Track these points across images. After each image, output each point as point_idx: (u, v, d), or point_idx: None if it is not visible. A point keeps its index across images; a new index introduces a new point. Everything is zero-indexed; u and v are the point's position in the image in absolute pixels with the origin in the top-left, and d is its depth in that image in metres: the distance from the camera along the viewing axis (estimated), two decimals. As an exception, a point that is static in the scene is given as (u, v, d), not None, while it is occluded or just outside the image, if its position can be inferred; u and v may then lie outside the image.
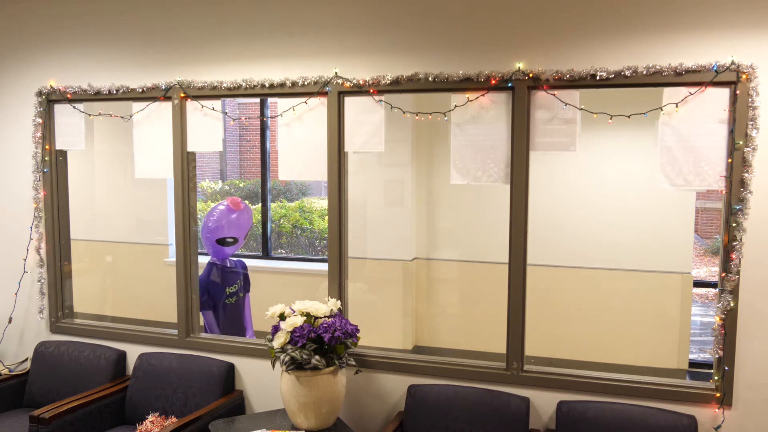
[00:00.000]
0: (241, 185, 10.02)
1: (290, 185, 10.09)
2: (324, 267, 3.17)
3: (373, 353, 3.03)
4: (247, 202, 4.33)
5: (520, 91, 2.68)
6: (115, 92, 3.33)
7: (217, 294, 3.86)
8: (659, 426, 2.53)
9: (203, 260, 3.70)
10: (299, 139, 3.07)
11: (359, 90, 2.91)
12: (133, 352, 3.42)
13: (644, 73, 2.50)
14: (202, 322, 3.44)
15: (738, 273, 2.48)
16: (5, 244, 3.70)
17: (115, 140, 4.80)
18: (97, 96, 3.39)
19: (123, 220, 5.21)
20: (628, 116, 2.63)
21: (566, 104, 2.65)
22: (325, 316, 2.75)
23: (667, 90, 2.53)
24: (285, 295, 3.10)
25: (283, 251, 7.32)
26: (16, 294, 3.68)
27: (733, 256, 2.47)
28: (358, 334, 2.77)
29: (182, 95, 3.21)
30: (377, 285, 4.73)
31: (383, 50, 2.89)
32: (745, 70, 2.40)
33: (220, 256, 3.94)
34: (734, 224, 2.46)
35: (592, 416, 2.61)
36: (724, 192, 2.50)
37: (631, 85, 2.54)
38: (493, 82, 2.70)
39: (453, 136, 2.84)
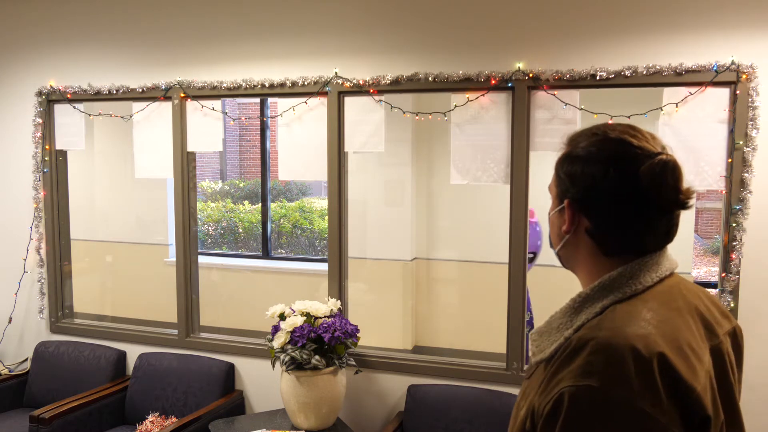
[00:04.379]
0: (241, 185, 10.02)
1: (290, 185, 10.09)
2: (324, 267, 3.17)
3: (373, 353, 3.03)
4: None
5: (520, 91, 2.68)
6: (115, 92, 3.33)
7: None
8: (659, 426, 2.52)
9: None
10: (299, 139, 3.07)
11: (359, 90, 2.91)
12: (133, 352, 3.42)
13: (644, 73, 2.50)
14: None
15: (738, 273, 2.48)
16: (5, 244, 3.70)
17: (115, 140, 4.80)
18: (97, 96, 3.39)
19: (123, 220, 5.21)
20: (628, 116, 2.63)
21: (566, 104, 2.65)
22: (325, 316, 2.75)
23: (667, 90, 2.53)
24: (285, 295, 3.10)
25: (283, 251, 7.31)
26: (16, 294, 3.67)
27: (733, 256, 2.47)
28: (358, 334, 2.77)
29: (182, 95, 3.21)
30: (377, 285, 4.73)
31: (383, 50, 2.89)
32: (745, 70, 2.40)
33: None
34: (734, 224, 2.46)
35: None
36: (724, 192, 2.50)
37: (631, 85, 2.54)
38: (493, 82, 2.70)
39: (453, 136, 2.84)
